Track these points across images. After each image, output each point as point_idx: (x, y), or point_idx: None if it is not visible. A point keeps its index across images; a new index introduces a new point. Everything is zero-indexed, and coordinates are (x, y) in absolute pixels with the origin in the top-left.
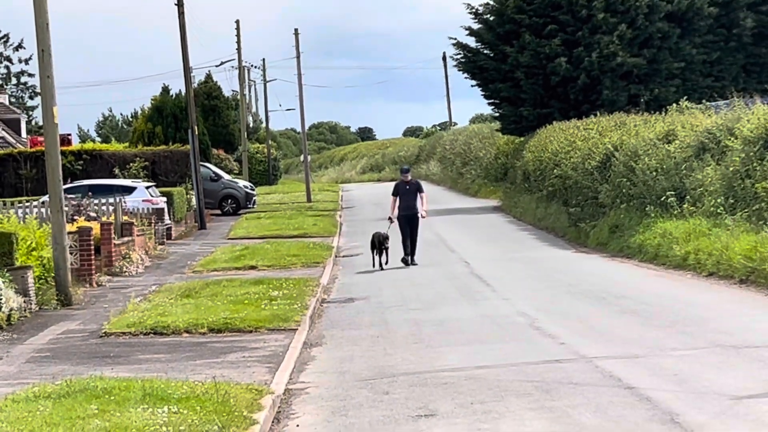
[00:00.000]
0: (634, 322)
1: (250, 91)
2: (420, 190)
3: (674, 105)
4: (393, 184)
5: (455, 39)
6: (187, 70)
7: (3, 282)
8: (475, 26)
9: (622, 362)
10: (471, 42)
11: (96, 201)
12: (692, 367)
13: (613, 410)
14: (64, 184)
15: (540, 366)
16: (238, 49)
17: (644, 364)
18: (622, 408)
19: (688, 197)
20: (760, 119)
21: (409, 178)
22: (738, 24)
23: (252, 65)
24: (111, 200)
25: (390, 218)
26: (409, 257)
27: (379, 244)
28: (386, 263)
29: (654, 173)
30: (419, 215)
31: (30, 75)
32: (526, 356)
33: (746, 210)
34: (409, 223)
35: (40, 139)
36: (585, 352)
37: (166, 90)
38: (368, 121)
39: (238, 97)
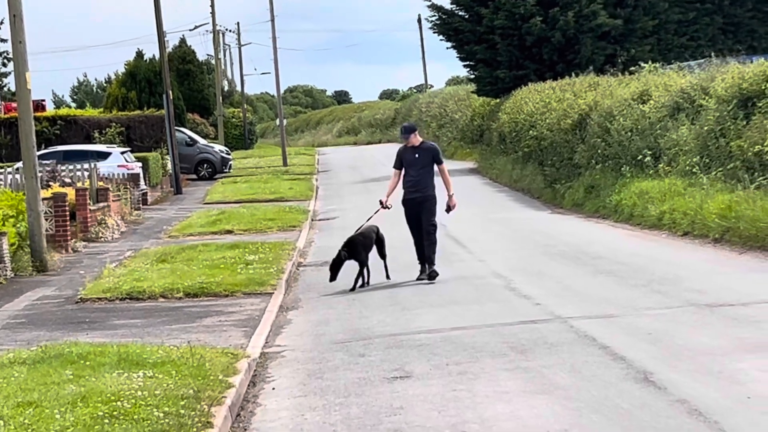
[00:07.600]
0: (609, 282)
1: (224, 55)
2: (438, 159)
3: (648, 64)
4: (370, 147)
5: (430, 1)
6: (160, 34)
7: None
8: None
9: (597, 322)
10: (446, 4)
11: (71, 167)
12: (667, 326)
13: (588, 369)
14: (39, 150)
15: (515, 327)
16: (212, 13)
17: (619, 323)
18: (597, 367)
19: (663, 157)
20: (734, 78)
21: (419, 140)
22: None
23: (226, 29)
24: (86, 166)
25: (381, 202)
26: (426, 264)
27: (355, 249)
28: (365, 282)
29: (629, 133)
30: (434, 198)
31: (2, 41)
32: (502, 317)
33: (721, 169)
34: (419, 210)
35: (14, 105)
36: (560, 313)
37: (140, 55)
38: (343, 84)
39: (213, 61)
